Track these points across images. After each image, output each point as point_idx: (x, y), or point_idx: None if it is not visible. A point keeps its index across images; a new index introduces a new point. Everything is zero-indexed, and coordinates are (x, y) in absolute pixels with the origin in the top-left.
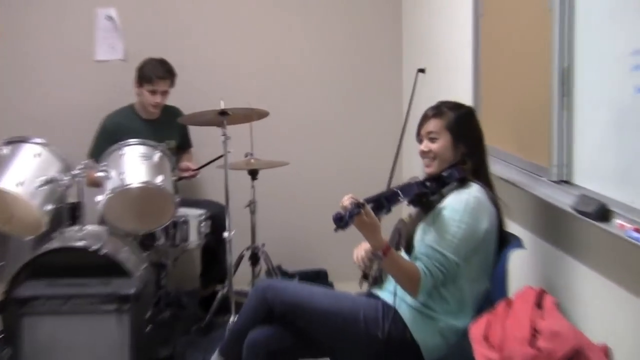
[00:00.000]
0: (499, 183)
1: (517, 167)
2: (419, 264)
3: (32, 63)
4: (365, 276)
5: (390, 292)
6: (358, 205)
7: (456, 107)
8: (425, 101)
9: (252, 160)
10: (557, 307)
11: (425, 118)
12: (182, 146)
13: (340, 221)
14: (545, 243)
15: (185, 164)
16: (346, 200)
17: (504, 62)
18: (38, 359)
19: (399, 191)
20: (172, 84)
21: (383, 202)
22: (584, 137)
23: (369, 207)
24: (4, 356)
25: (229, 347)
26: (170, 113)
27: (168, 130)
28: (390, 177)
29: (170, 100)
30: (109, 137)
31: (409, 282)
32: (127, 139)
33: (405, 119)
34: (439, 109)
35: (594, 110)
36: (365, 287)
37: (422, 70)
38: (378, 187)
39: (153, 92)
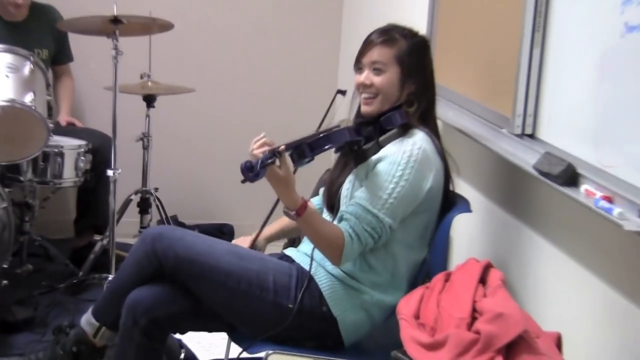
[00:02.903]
0: (449, 132)
1: (473, 115)
2: (344, 226)
3: None
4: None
5: (306, 255)
6: (274, 153)
7: (410, 34)
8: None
9: (149, 84)
10: (505, 284)
11: (369, 44)
12: (58, 58)
13: (249, 171)
14: (498, 208)
15: (66, 119)
16: (257, 145)
17: None
18: None
19: (326, 137)
20: None
21: (305, 150)
22: (557, 82)
23: (286, 155)
24: None
25: (104, 307)
26: (42, 14)
27: (38, 36)
28: (324, 118)
29: None
30: None
31: (330, 247)
32: None
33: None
34: (389, 35)
35: (573, 51)
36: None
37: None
38: (304, 129)
39: None
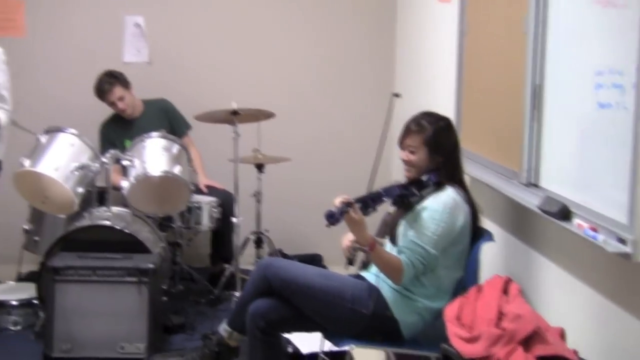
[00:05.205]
0: (475, 183)
1: (492, 171)
2: (402, 257)
3: (66, 61)
4: (349, 262)
5: (374, 275)
6: (348, 204)
7: (435, 120)
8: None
9: (259, 156)
10: (521, 293)
11: (406, 131)
12: (177, 131)
13: (332, 218)
14: (513, 238)
15: (206, 183)
16: (337, 200)
17: (484, 77)
18: (67, 321)
19: (383, 192)
20: (123, 86)
21: (369, 202)
22: (551, 145)
23: (357, 206)
24: (39, 319)
25: (234, 317)
26: (155, 107)
27: (155, 122)
28: (371, 180)
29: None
30: (107, 139)
31: (393, 272)
32: (121, 139)
33: (382, 139)
34: (419, 124)
35: (561, 123)
36: (350, 270)
37: (397, 95)
38: (365, 186)
39: (112, 104)
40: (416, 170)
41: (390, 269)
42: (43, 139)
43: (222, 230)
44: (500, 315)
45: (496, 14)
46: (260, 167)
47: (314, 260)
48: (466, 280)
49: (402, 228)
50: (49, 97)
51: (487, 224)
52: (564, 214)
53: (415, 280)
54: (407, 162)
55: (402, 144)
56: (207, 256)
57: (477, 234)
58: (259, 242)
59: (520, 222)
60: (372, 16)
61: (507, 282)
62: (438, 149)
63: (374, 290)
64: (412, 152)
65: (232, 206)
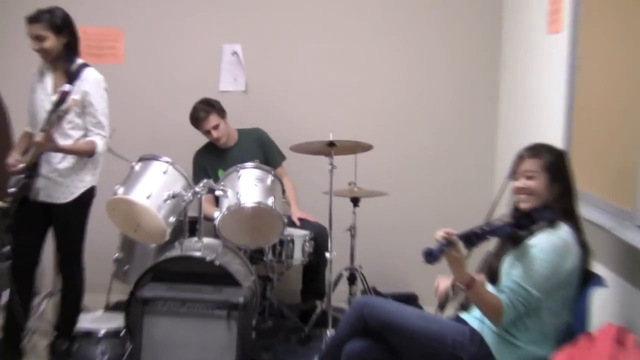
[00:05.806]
0: (586, 225)
1: (604, 211)
2: (503, 297)
3: (162, 89)
4: (441, 306)
5: (476, 318)
6: (449, 242)
7: (552, 149)
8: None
9: (355, 189)
10: (638, 345)
11: (521, 158)
12: (271, 162)
13: (430, 256)
14: (627, 284)
15: (298, 216)
16: (439, 233)
17: (594, 112)
18: (154, 353)
19: (489, 231)
20: (218, 115)
21: (473, 240)
22: None
23: (460, 243)
24: (127, 349)
25: (327, 356)
26: (249, 136)
27: (249, 152)
28: (489, 214)
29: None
30: (201, 168)
31: (492, 313)
32: (215, 168)
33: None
34: (536, 150)
35: None
36: (443, 314)
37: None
38: (468, 222)
39: (207, 132)
40: (533, 198)
41: (489, 309)
42: (137, 166)
43: (315, 265)
44: None
45: (610, 46)
46: (355, 200)
47: (409, 300)
48: (574, 327)
49: (506, 265)
50: (144, 124)
51: (597, 267)
52: None
53: (519, 324)
54: (523, 190)
55: (515, 173)
56: (297, 292)
57: (587, 278)
58: (352, 279)
59: (635, 267)
60: (475, 47)
61: (622, 332)
62: (558, 175)
63: (475, 335)
64: (529, 178)
65: (326, 240)
